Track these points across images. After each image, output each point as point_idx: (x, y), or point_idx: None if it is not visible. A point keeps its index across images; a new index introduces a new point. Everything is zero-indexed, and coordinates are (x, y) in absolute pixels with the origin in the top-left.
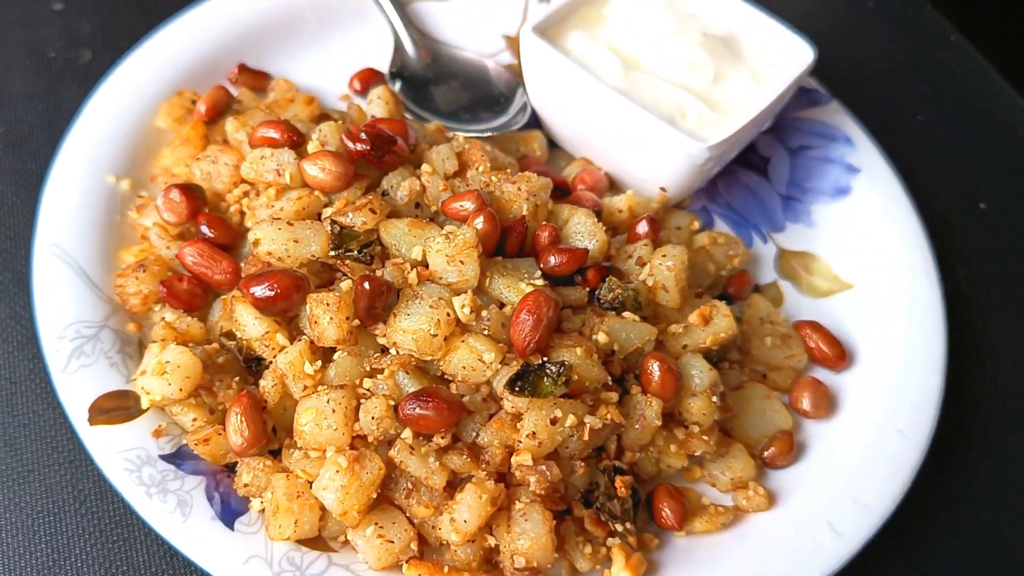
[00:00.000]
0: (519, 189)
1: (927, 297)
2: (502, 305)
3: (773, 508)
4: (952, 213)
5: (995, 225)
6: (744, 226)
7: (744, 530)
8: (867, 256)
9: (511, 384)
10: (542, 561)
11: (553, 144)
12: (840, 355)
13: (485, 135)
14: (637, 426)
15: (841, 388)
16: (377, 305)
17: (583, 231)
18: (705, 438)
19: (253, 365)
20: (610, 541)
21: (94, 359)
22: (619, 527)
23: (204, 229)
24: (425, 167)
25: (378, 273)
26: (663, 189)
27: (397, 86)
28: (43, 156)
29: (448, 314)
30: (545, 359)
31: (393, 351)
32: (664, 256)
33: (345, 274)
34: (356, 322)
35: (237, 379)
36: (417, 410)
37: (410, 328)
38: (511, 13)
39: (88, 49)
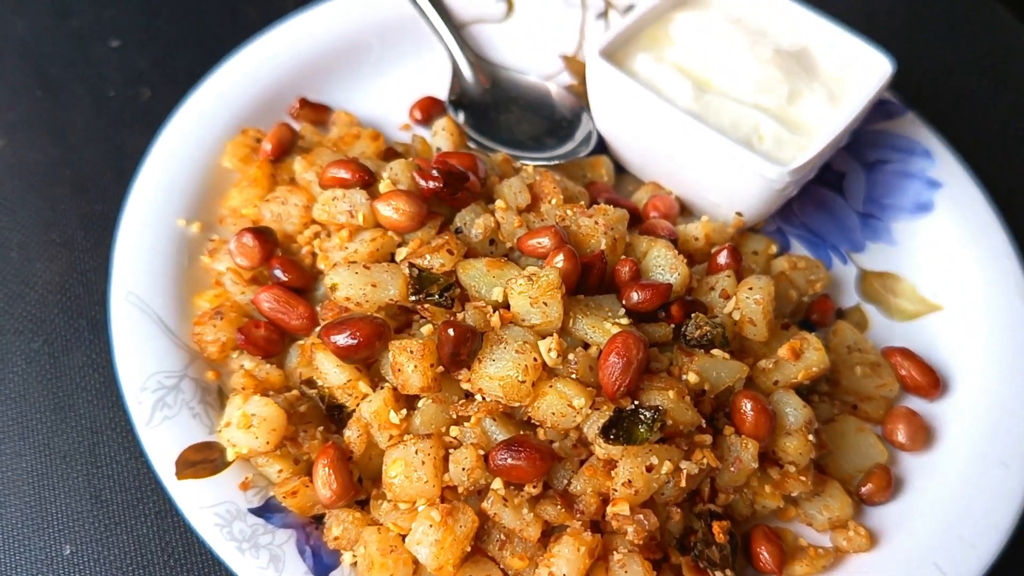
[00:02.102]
0: (596, 223)
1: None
2: (586, 345)
3: (876, 549)
4: None
5: None
6: (822, 247)
7: (846, 573)
8: (955, 275)
9: (605, 432)
10: None
11: (619, 168)
12: (934, 383)
13: (552, 163)
14: (733, 468)
15: (936, 417)
16: (462, 352)
17: (664, 264)
18: (803, 478)
19: (335, 413)
20: None
21: (177, 410)
22: (719, 574)
23: (278, 273)
24: (499, 203)
25: (459, 316)
26: (739, 214)
27: (461, 118)
28: (110, 198)
29: (535, 359)
30: (637, 403)
31: (479, 397)
32: (751, 289)
33: (424, 317)
34: (440, 369)
35: (321, 429)
36: (509, 460)
37: (497, 374)
38: (568, 32)
39: (147, 86)
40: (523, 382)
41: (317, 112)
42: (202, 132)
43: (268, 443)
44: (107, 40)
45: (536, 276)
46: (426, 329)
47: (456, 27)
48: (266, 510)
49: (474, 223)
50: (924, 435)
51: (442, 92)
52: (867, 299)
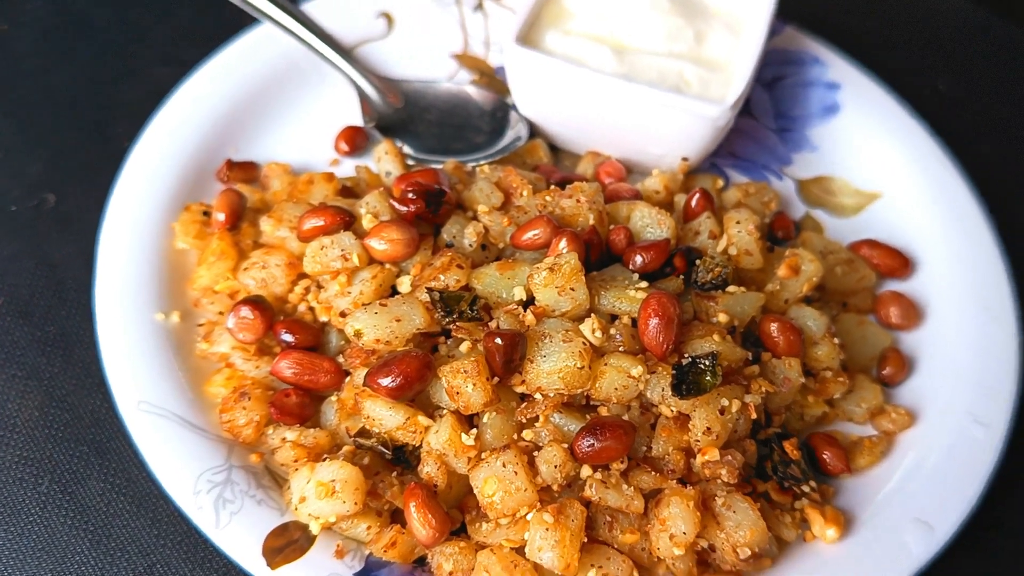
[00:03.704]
0: (578, 201)
1: (952, 180)
2: (613, 318)
3: (917, 423)
4: (920, 100)
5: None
6: (755, 169)
7: (902, 452)
8: (881, 162)
9: (677, 389)
10: (763, 545)
11: (551, 146)
12: (904, 263)
13: (496, 159)
14: (783, 389)
15: (916, 293)
16: (515, 357)
17: (651, 222)
18: (841, 379)
19: (400, 455)
20: (797, 504)
21: (240, 503)
22: (806, 488)
23: (287, 337)
24: (482, 207)
25: (491, 325)
26: (685, 159)
27: (398, 143)
28: (59, 316)
29: (584, 343)
30: (690, 356)
31: (538, 396)
32: (739, 223)
33: (452, 337)
34: (496, 380)
35: (395, 474)
36: (596, 444)
37: (554, 368)
38: (451, 32)
39: (48, 191)
40: (581, 368)
41: (246, 170)
42: (140, 222)
43: (356, 503)
44: None
45: (557, 265)
46: (464, 347)
47: (347, 52)
48: (370, 569)
49: (464, 233)
50: (915, 311)
51: (356, 120)
52: (812, 205)
